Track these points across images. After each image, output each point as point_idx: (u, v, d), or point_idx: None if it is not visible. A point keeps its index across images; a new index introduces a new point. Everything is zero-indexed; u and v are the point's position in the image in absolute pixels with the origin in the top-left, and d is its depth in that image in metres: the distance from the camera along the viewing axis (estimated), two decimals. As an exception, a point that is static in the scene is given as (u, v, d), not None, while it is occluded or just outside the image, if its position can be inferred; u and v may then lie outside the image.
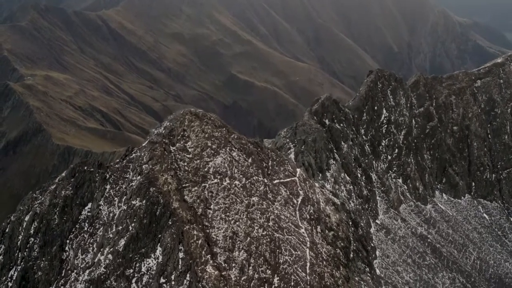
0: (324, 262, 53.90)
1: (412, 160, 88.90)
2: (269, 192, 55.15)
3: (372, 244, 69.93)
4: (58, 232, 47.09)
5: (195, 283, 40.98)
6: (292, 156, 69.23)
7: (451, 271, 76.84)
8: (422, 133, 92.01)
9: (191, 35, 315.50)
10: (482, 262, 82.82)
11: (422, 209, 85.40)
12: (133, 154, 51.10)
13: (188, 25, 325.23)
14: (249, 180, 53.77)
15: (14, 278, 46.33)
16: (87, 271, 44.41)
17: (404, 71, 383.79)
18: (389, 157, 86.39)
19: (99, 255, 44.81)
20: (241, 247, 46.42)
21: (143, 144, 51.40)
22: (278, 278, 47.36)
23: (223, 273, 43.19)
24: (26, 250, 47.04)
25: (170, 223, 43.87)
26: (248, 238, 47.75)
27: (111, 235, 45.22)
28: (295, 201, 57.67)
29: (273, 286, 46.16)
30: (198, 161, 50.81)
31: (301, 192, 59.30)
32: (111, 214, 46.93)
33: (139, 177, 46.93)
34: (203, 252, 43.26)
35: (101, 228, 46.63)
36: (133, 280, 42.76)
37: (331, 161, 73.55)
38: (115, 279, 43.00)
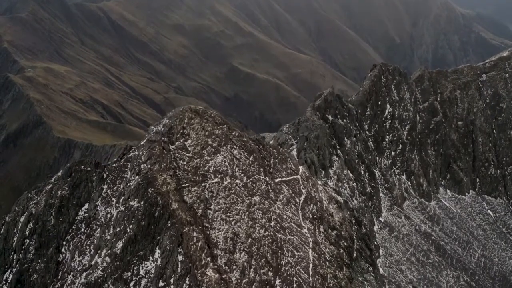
0: (327, 263, 52.72)
1: (416, 156, 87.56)
2: (271, 191, 53.89)
3: (375, 243, 68.73)
4: (54, 234, 45.87)
5: (195, 287, 39.83)
6: (294, 153, 67.84)
7: (455, 269, 75.71)
8: (427, 128, 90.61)
9: (192, 27, 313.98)
10: (487, 260, 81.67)
11: (426, 206, 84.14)
12: (131, 153, 49.74)
13: (189, 16, 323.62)
14: (251, 179, 52.49)
15: (9, 281, 45.14)
16: (84, 274, 43.23)
17: (406, 63, 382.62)
18: (393, 153, 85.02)
19: (96, 257, 43.62)
20: (242, 249, 45.22)
21: (141, 143, 50.06)
22: (280, 280, 46.16)
23: (223, 276, 42.01)
24: (22, 252, 45.81)
25: (169, 225, 42.65)
26: (250, 239, 46.54)
27: (108, 237, 44.02)
28: (297, 200, 56.42)
29: (275, 289, 45.06)
30: (198, 160, 49.52)
31: (303, 190, 58.04)
32: (108, 215, 45.67)
33: (137, 177, 45.66)
34: (203, 255, 42.05)
35: (98, 230, 45.38)
36: (131, 284, 41.58)
37: (334, 157, 72.22)
38: (112, 282, 41.84)
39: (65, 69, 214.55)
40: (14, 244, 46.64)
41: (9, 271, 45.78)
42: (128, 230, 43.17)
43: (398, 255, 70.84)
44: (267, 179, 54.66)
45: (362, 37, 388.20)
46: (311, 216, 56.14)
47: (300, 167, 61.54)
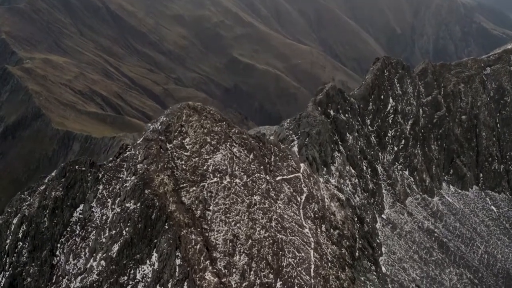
0: (329, 264, 51.46)
1: (419, 151, 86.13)
2: (271, 190, 52.47)
3: (378, 241, 67.48)
4: (48, 236, 44.45)
5: (193, 292, 38.57)
6: (295, 149, 66.36)
7: (458, 266, 74.56)
8: (430, 123, 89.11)
9: (192, 17, 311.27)
10: (490, 257, 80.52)
11: (429, 202, 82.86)
12: (127, 152, 48.17)
13: (189, 7, 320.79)
14: (251, 178, 51.05)
15: (2, 285, 43.83)
16: (79, 278, 41.89)
17: (407, 53, 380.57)
18: (396, 148, 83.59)
19: (91, 260, 42.25)
20: (242, 251, 43.89)
21: (138, 142, 48.48)
22: (281, 282, 44.92)
23: (223, 280, 40.72)
24: (15, 255, 44.44)
25: (166, 227, 41.23)
26: (250, 241, 45.20)
27: (104, 240, 42.63)
28: (298, 199, 55.05)
29: (276, 291, 43.81)
30: (197, 158, 48.03)
31: (305, 189, 56.66)
32: (104, 217, 44.24)
33: (133, 178, 44.16)
34: (202, 258, 40.73)
35: (94, 232, 43.97)
36: (128, 288, 40.33)
37: (335, 154, 70.77)
38: (108, 286, 40.52)
39: (63, 60, 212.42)
40: (6, 247, 45.31)
41: (1, 274, 44.49)
42: (124, 232, 41.78)
43: (401, 252, 69.67)
44: (268, 178, 53.24)
45: (362, 27, 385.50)
46: (312, 215, 54.81)
47: (302, 165, 60.10)
